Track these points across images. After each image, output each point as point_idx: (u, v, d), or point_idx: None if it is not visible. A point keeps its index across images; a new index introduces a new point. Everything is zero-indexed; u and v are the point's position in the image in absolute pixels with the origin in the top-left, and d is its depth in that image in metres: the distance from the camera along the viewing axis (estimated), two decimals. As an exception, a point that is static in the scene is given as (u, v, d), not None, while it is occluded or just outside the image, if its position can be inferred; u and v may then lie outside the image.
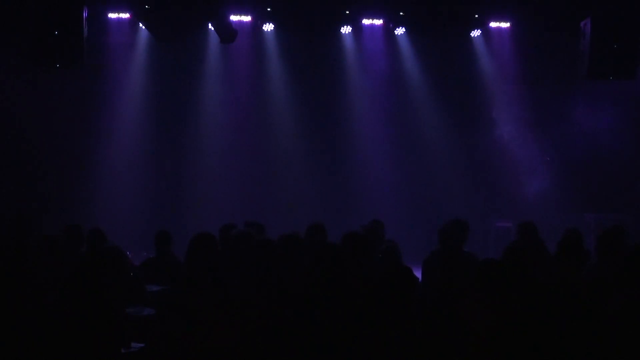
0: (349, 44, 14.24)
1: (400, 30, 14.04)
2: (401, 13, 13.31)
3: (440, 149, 14.52)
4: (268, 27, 13.90)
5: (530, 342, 4.67)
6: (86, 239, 7.58)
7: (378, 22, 13.84)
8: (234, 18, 13.11)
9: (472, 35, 14.02)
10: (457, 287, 6.09)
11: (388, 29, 14.06)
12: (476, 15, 13.26)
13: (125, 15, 13.31)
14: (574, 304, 4.92)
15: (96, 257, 5.49)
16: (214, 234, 6.93)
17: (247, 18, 13.49)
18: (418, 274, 6.52)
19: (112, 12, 13.22)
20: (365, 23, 13.84)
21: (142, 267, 7.54)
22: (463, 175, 14.31)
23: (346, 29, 14.02)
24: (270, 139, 14.43)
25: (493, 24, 13.74)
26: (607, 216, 12.14)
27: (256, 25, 13.81)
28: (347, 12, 13.45)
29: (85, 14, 10.29)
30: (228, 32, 12.45)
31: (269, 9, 13.26)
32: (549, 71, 13.84)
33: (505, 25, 13.77)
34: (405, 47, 14.29)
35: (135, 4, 12.48)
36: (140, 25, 13.38)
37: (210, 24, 12.90)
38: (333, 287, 5.16)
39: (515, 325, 4.72)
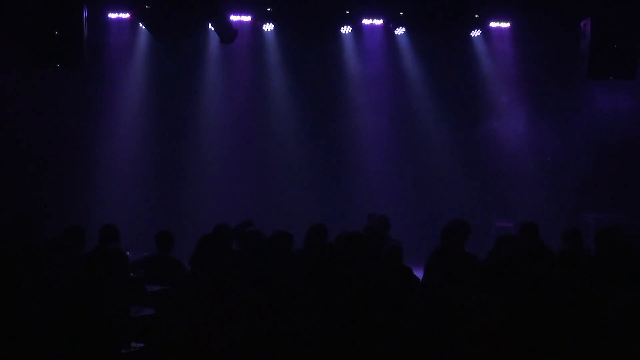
0: (349, 44, 14.23)
1: (400, 30, 14.04)
2: (401, 13, 13.31)
3: (440, 149, 14.50)
4: (268, 27, 13.90)
5: (531, 341, 4.67)
6: (99, 235, 7.58)
7: (378, 22, 13.84)
8: (234, 18, 13.11)
9: (472, 35, 14.01)
10: (458, 287, 6.09)
11: (388, 29, 14.06)
12: (476, 15, 13.25)
13: (125, 15, 13.33)
14: (574, 303, 4.92)
15: (97, 258, 5.48)
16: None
17: (247, 18, 13.50)
18: (418, 273, 6.53)
19: (112, 12, 13.23)
20: (365, 23, 13.84)
21: (142, 265, 7.53)
22: (463, 175, 14.31)
23: (346, 29, 14.01)
24: (270, 138, 14.42)
25: (493, 24, 13.75)
26: (607, 216, 12.15)
27: (256, 25, 13.81)
28: (347, 12, 13.45)
29: (85, 14, 10.28)
30: (228, 32, 12.44)
31: (269, 9, 13.25)
32: (548, 71, 13.84)
33: (505, 25, 13.78)
34: (405, 47, 14.28)
35: (135, 4, 12.48)
36: (140, 25, 13.37)
37: (210, 24, 12.90)
38: (333, 287, 5.16)
39: (517, 324, 4.72)
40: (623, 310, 4.72)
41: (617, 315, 4.74)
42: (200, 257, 6.13)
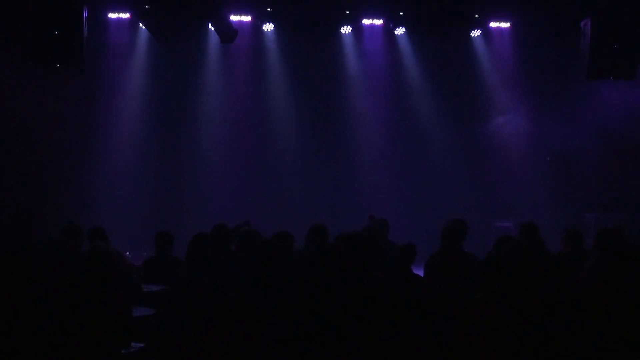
0: (349, 44, 14.24)
1: (400, 30, 14.05)
2: (401, 13, 13.32)
3: (440, 148, 14.51)
4: (268, 27, 13.91)
5: (530, 341, 4.67)
6: (88, 238, 7.55)
7: (378, 22, 13.85)
8: (234, 18, 13.12)
9: (472, 35, 14.02)
10: (457, 286, 6.09)
11: (388, 29, 14.07)
12: (476, 15, 13.28)
13: (125, 15, 13.34)
14: (573, 303, 4.92)
15: (98, 257, 5.48)
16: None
17: (247, 18, 13.51)
18: (418, 273, 6.52)
19: (112, 12, 13.24)
20: (365, 23, 13.86)
21: (143, 267, 7.54)
22: (463, 175, 14.31)
23: (346, 29, 14.03)
24: (270, 139, 14.42)
25: (493, 24, 13.77)
26: (607, 216, 12.16)
27: (256, 25, 13.82)
28: (347, 12, 13.46)
29: (85, 14, 10.29)
30: (228, 32, 12.44)
31: (269, 9, 13.27)
32: (548, 71, 13.85)
33: (505, 25, 13.79)
34: (405, 47, 14.29)
35: (135, 4, 12.49)
36: (140, 25, 13.38)
37: (210, 24, 12.90)
38: (333, 288, 5.16)
39: (516, 325, 4.72)
40: (623, 311, 4.72)
41: (617, 315, 4.74)
42: (194, 257, 6.11)
